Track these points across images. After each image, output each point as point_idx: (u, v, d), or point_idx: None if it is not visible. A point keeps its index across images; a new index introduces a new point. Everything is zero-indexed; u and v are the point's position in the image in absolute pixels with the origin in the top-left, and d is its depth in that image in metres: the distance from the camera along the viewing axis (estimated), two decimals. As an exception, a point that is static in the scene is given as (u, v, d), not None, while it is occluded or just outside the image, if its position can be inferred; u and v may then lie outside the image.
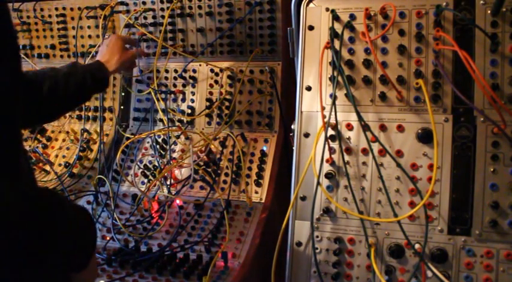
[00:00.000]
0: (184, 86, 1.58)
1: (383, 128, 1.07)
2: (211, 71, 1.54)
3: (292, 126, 1.16)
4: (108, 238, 1.34)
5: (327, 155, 1.08)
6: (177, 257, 1.23)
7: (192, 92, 1.57)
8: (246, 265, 1.18)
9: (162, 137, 1.55)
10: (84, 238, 0.74)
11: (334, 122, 1.08)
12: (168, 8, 1.55)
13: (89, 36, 1.70)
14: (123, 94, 1.66)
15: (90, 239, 0.76)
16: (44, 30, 1.77)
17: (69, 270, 0.74)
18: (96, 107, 1.69)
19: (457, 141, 1.02)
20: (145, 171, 1.49)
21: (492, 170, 0.99)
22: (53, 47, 1.76)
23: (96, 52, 1.64)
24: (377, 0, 1.07)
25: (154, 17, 1.59)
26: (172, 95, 1.57)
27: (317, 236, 1.08)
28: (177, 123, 1.55)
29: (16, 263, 0.59)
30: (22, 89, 0.65)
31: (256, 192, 1.37)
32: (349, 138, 1.09)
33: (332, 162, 1.09)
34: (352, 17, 1.10)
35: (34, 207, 0.61)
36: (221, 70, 1.53)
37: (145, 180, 1.49)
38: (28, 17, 1.77)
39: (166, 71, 1.60)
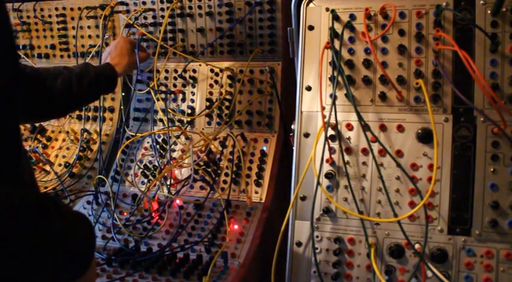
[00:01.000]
0: (184, 86, 1.58)
1: (383, 128, 1.07)
2: (211, 71, 1.54)
3: (292, 126, 1.16)
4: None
5: (327, 155, 1.08)
6: (177, 257, 1.22)
7: (192, 92, 1.56)
8: (246, 265, 1.18)
9: (162, 137, 1.55)
10: (83, 246, 0.73)
11: (334, 122, 1.08)
12: (168, 8, 1.54)
13: (89, 36, 1.70)
14: (123, 94, 1.66)
15: (89, 246, 0.75)
16: (44, 30, 1.77)
17: (67, 278, 0.73)
18: (96, 107, 1.69)
19: (457, 141, 1.02)
20: (145, 171, 1.49)
21: (492, 170, 0.99)
22: (53, 47, 1.76)
23: (97, 52, 1.64)
24: (377, 0, 1.07)
25: (154, 17, 1.59)
26: (172, 95, 1.57)
27: (317, 236, 1.08)
28: (177, 123, 1.55)
29: (10, 271, 0.58)
30: (21, 88, 0.65)
31: (256, 192, 1.37)
32: (349, 138, 1.09)
33: (332, 162, 1.09)
34: (352, 17, 1.10)
35: (31, 213, 0.60)
36: (221, 70, 1.53)
37: (145, 180, 1.49)
38: (28, 17, 1.77)
39: (166, 71, 1.60)
